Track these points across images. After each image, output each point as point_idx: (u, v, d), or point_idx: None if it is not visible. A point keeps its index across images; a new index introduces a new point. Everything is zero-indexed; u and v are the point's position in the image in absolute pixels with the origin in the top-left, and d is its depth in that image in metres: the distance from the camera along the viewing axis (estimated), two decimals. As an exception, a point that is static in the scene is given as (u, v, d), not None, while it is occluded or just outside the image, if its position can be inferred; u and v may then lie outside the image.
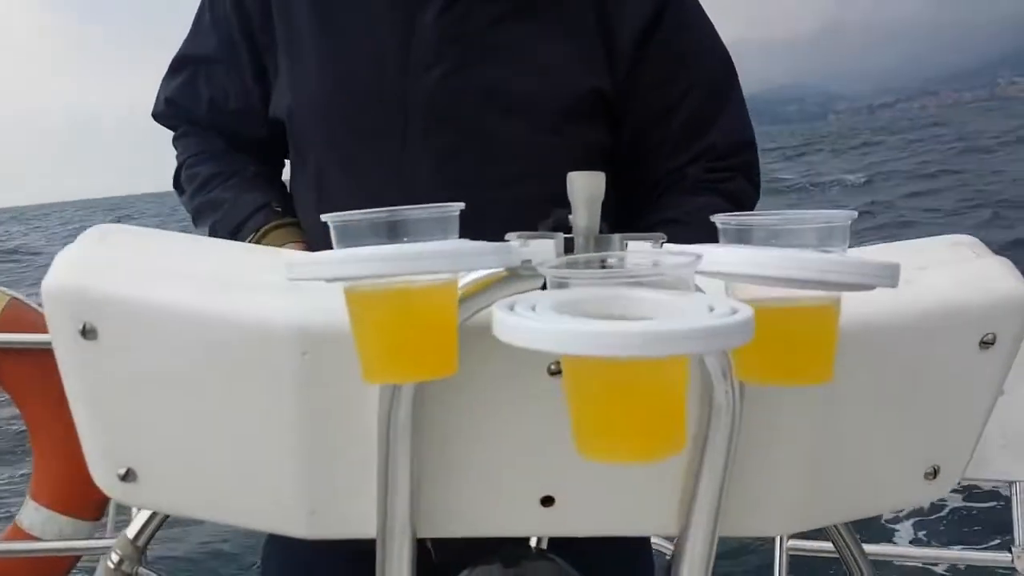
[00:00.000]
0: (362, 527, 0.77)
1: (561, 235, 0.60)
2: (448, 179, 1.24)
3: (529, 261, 0.60)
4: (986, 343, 0.79)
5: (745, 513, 0.81)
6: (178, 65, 1.45)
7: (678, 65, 1.32)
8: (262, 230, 1.30)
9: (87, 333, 0.71)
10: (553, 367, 0.73)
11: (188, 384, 0.73)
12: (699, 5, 1.36)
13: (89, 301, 0.71)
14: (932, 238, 0.88)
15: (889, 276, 0.56)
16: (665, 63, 1.30)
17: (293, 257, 0.61)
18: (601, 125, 1.29)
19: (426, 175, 1.24)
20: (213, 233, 1.34)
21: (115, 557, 0.96)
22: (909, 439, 0.83)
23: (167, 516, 0.98)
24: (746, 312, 0.46)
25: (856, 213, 0.58)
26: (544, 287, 0.64)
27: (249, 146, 1.43)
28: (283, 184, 1.44)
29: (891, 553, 2.52)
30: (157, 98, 1.50)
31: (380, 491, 0.74)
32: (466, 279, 0.62)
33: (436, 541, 1.23)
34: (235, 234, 1.31)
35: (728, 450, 0.75)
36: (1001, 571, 2.50)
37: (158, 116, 1.50)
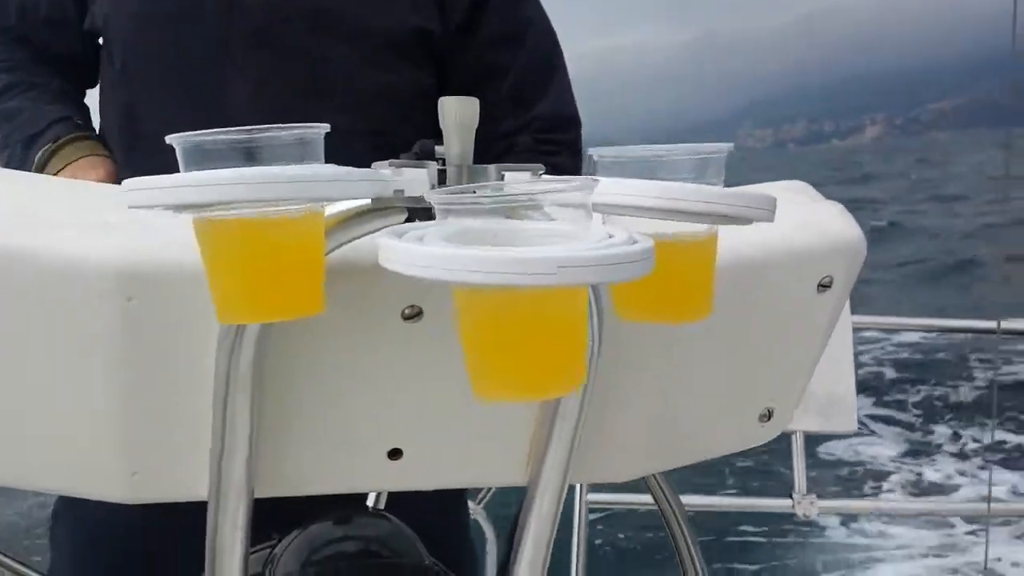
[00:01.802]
0: (192, 488, 0.71)
1: (434, 164, 0.56)
2: (266, 106, 1.18)
3: (402, 191, 0.55)
4: (823, 286, 0.81)
5: (589, 459, 0.80)
6: None
7: (515, 27, 1.33)
8: (61, 140, 1.20)
9: None
10: (407, 311, 0.68)
11: None
12: None
13: None
14: (766, 184, 0.90)
15: (768, 209, 0.56)
16: (502, 23, 1.31)
17: (131, 182, 0.54)
18: (430, 69, 1.26)
19: (243, 101, 1.18)
20: (4, 146, 1.24)
21: None
22: (747, 382, 0.85)
23: None
24: (647, 242, 0.44)
25: (732, 145, 0.57)
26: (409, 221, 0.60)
27: (58, 61, 1.33)
28: (87, 107, 1.34)
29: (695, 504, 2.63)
30: None
31: (215, 448, 0.67)
32: (330, 210, 0.56)
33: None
34: (29, 146, 1.21)
35: (584, 395, 0.73)
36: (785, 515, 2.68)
37: None
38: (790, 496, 2.66)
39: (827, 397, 2.53)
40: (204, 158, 0.51)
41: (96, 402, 0.66)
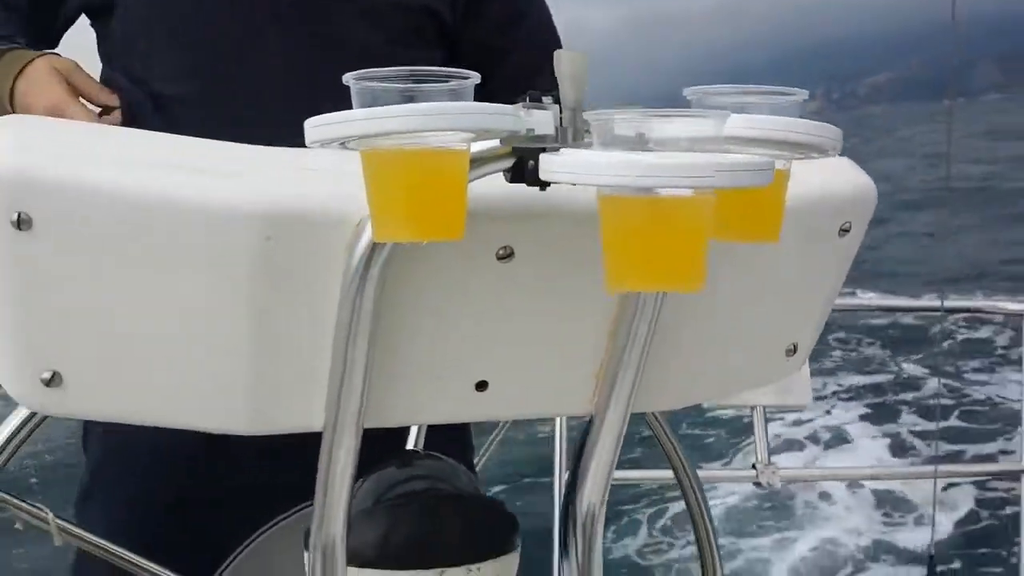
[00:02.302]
0: (308, 420, 0.78)
1: (557, 107, 0.65)
2: (296, 83, 1.24)
3: (532, 129, 0.64)
4: (844, 230, 0.92)
5: (646, 389, 0.89)
6: None
7: (514, 12, 1.40)
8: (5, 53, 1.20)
9: (21, 223, 0.67)
10: (501, 252, 0.77)
11: (132, 274, 0.70)
12: None
13: (27, 188, 0.66)
14: None
15: (839, 143, 0.66)
16: (503, 8, 1.38)
17: (313, 120, 0.62)
18: (443, 53, 1.34)
19: (268, 80, 1.23)
20: None
21: None
22: (777, 319, 0.95)
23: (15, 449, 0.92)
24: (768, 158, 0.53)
25: (808, 93, 0.66)
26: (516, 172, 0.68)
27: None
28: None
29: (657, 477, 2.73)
30: None
31: (334, 381, 0.75)
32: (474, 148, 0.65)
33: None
34: None
35: (650, 329, 0.82)
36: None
37: None
38: (753, 467, 2.80)
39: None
40: (369, 100, 0.59)
41: (227, 335, 0.73)
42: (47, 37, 1.33)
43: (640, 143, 0.56)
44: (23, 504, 0.97)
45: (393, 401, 0.81)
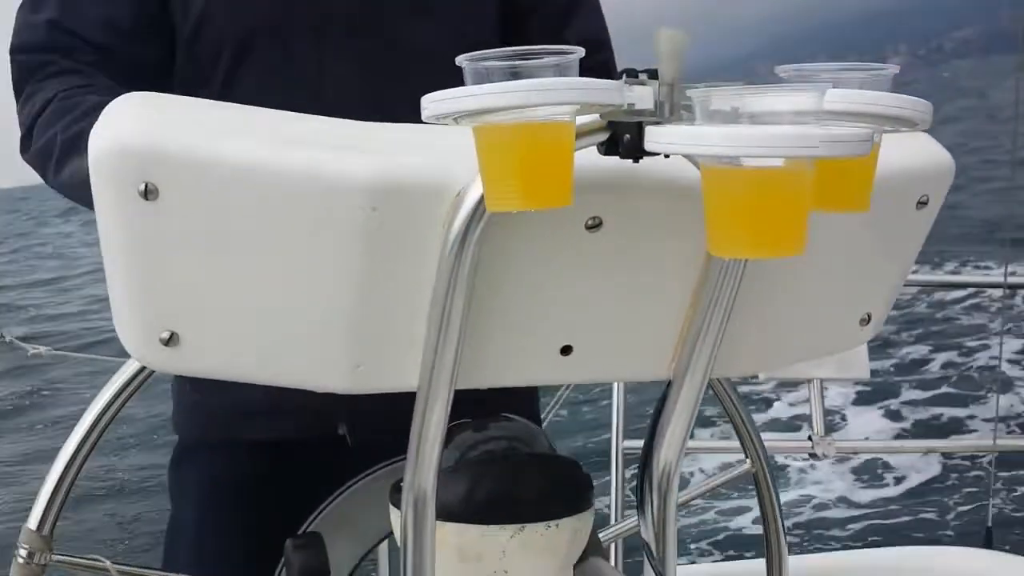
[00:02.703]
0: (404, 379, 0.82)
1: (656, 83, 0.68)
2: (374, 88, 1.26)
3: (633, 104, 0.67)
4: (922, 203, 0.94)
5: (724, 355, 0.92)
6: None
7: None
8: None
9: (148, 193, 0.71)
10: (590, 221, 0.80)
11: (248, 242, 0.75)
12: None
13: (156, 159, 0.71)
14: None
15: (929, 116, 0.69)
16: None
17: (432, 95, 0.66)
18: (502, 25, 1.36)
19: (350, 85, 1.25)
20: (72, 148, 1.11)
21: (23, 552, 0.95)
22: (854, 288, 0.97)
23: (66, 497, 0.96)
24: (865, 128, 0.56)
25: (898, 68, 0.68)
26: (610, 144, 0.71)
27: (141, 76, 1.23)
28: None
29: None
30: (20, 27, 1.26)
31: (430, 342, 0.79)
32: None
33: (352, 426, 1.30)
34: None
35: (731, 296, 0.85)
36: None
37: (28, 48, 1.24)
38: (809, 438, 2.82)
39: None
40: (482, 78, 0.63)
41: (332, 299, 0.77)
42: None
43: (737, 117, 0.59)
44: (80, 560, 1.00)
45: (483, 363, 0.84)
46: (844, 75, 0.68)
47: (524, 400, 1.41)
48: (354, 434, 1.32)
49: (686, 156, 0.70)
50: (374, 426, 1.13)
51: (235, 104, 0.79)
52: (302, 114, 0.79)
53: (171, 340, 0.77)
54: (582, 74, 1.43)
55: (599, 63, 1.42)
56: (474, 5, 1.32)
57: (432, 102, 0.65)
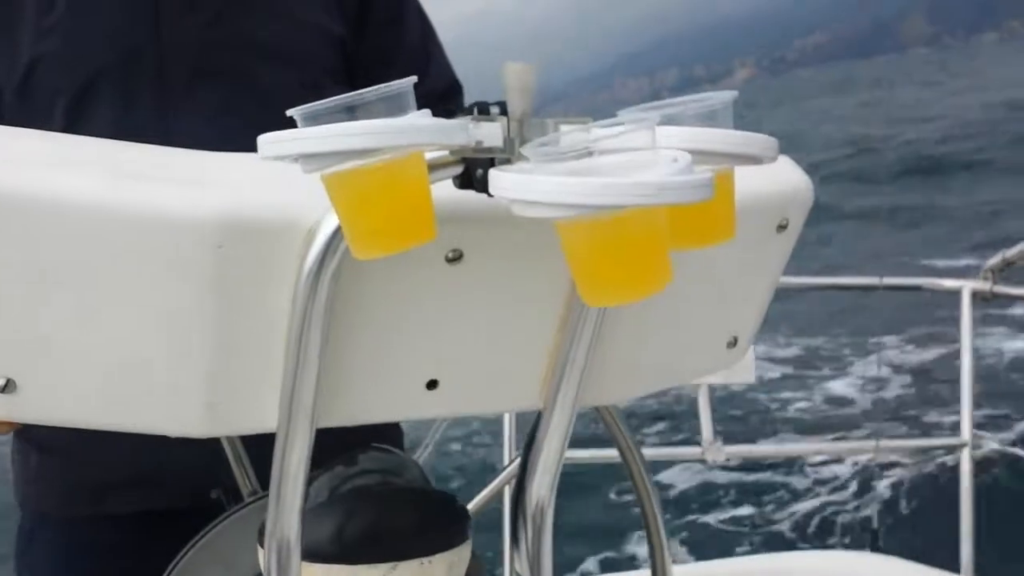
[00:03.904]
0: (262, 420, 0.79)
1: (505, 119, 0.66)
2: (221, 136, 1.23)
3: (481, 141, 0.66)
4: (782, 227, 0.95)
5: (592, 384, 0.92)
6: None
7: (394, 10, 1.40)
8: None
9: None
10: (450, 254, 0.78)
11: (84, 280, 0.71)
12: None
13: None
14: None
15: (774, 152, 0.69)
16: (384, 8, 1.38)
17: (268, 136, 0.63)
18: (348, 81, 1.34)
19: (196, 133, 1.19)
20: None
21: None
22: (719, 311, 0.98)
23: None
24: (707, 172, 0.56)
25: (736, 93, 0.69)
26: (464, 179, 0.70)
27: None
28: None
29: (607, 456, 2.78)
30: None
31: (287, 381, 0.76)
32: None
33: (227, 489, 1.27)
34: None
35: (597, 324, 0.85)
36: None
37: None
38: (698, 444, 2.87)
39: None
40: (315, 121, 0.61)
41: (181, 339, 0.74)
42: None
43: (584, 155, 0.58)
44: None
45: (345, 401, 0.82)
46: (681, 110, 0.68)
47: (389, 430, 1.40)
48: (229, 498, 1.28)
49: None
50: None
51: (62, 134, 0.75)
52: (142, 144, 0.75)
53: (7, 387, 0.73)
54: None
55: (460, 104, 1.44)
56: (317, 49, 1.30)
57: (268, 143, 0.63)
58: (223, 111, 1.23)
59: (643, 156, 0.57)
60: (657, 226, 0.59)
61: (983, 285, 2.95)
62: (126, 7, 1.22)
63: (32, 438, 1.27)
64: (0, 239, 0.68)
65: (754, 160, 0.70)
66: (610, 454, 1.92)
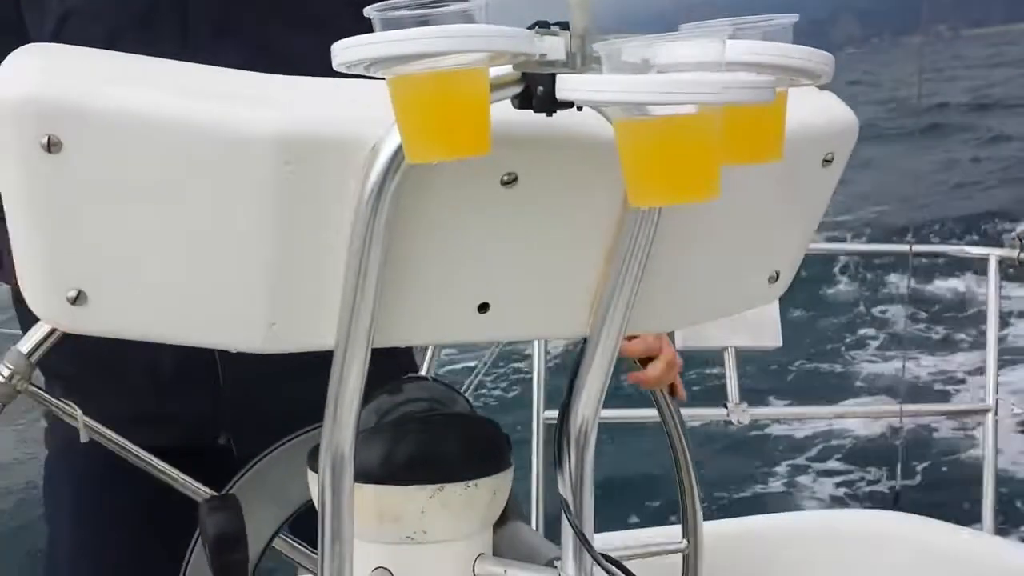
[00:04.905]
0: (321, 338, 0.81)
1: (567, 33, 0.68)
2: None
3: (545, 55, 0.67)
4: (827, 161, 0.96)
5: (636, 313, 0.94)
6: None
7: None
8: None
9: (51, 146, 0.69)
10: (505, 177, 0.80)
11: (157, 196, 0.73)
12: None
13: (59, 111, 0.69)
14: None
15: (831, 69, 0.70)
16: None
17: (342, 42, 0.65)
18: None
19: None
20: None
21: (5, 371, 0.95)
22: (762, 245, 1.00)
23: (63, 334, 0.96)
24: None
25: (797, 16, 0.70)
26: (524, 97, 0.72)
27: None
28: None
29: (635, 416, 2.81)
30: None
31: (347, 299, 0.79)
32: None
33: (236, 436, 1.30)
34: None
35: (645, 251, 0.86)
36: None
37: None
38: (724, 406, 2.89)
39: (755, 317, 2.75)
40: (390, 27, 0.63)
41: (244, 256, 0.76)
42: None
43: (646, 67, 0.60)
44: (54, 400, 1.03)
45: (400, 321, 0.84)
46: (747, 27, 0.69)
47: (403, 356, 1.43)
48: (239, 444, 1.31)
49: (596, 109, 0.70)
50: (257, 435, 1.14)
51: (138, 55, 0.77)
52: (210, 66, 0.77)
53: (78, 299, 0.75)
54: None
55: None
56: (340, 8, 1.32)
57: (343, 49, 0.65)
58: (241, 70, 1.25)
59: (708, 65, 0.59)
60: (712, 133, 0.60)
61: (1011, 253, 2.95)
62: None
63: (50, 369, 1.31)
64: (78, 152, 0.70)
65: (813, 76, 0.71)
66: (647, 413, 1.95)
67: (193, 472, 1.13)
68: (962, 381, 7.24)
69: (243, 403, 1.32)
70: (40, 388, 0.98)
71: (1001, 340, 2.93)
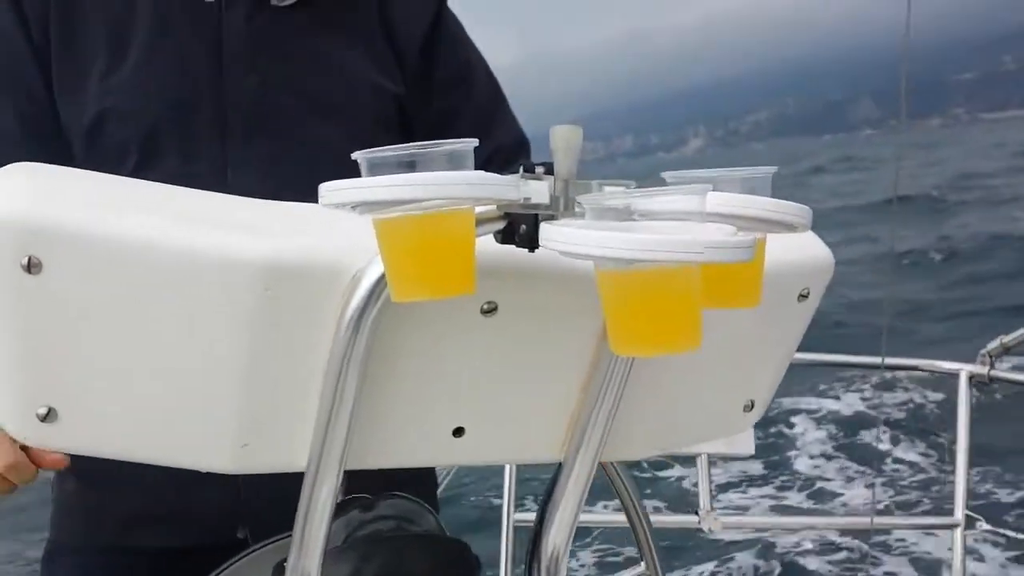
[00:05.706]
0: (291, 460, 0.81)
1: (551, 177, 0.69)
2: (276, 186, 1.26)
3: (529, 198, 0.68)
4: (803, 296, 0.98)
5: (611, 441, 0.94)
6: None
7: (461, 70, 1.44)
8: None
9: (31, 267, 0.69)
10: (486, 306, 0.81)
11: (132, 317, 0.73)
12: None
13: (39, 233, 0.69)
14: None
15: (808, 220, 0.72)
16: (448, 68, 1.41)
17: (329, 184, 0.66)
18: (401, 132, 1.38)
19: (253, 184, 1.24)
20: None
21: None
22: (737, 376, 1.00)
23: None
24: (750, 236, 0.58)
25: (776, 168, 0.72)
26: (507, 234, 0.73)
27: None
28: None
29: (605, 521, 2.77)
30: None
31: (321, 421, 0.78)
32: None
33: (255, 530, 1.28)
34: None
35: (622, 382, 0.87)
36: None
37: None
38: (696, 512, 2.86)
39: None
40: (377, 170, 0.63)
41: (219, 378, 0.76)
42: None
43: (628, 214, 0.61)
44: None
45: (374, 444, 0.84)
46: (727, 178, 0.71)
47: (423, 469, 1.40)
48: (256, 538, 1.28)
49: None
50: (277, 528, 1.11)
51: (125, 178, 0.78)
52: (195, 190, 0.78)
53: (48, 416, 0.74)
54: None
55: (529, 160, 1.47)
56: (367, 101, 1.34)
57: (329, 191, 0.66)
58: (276, 163, 1.26)
59: (688, 219, 0.60)
60: (694, 285, 0.61)
61: (981, 369, 2.97)
62: (189, 68, 1.26)
63: (70, 465, 1.29)
64: (57, 273, 0.70)
65: (790, 228, 0.73)
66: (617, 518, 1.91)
67: (200, 568, 1.12)
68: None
69: (263, 496, 1.29)
70: None
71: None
